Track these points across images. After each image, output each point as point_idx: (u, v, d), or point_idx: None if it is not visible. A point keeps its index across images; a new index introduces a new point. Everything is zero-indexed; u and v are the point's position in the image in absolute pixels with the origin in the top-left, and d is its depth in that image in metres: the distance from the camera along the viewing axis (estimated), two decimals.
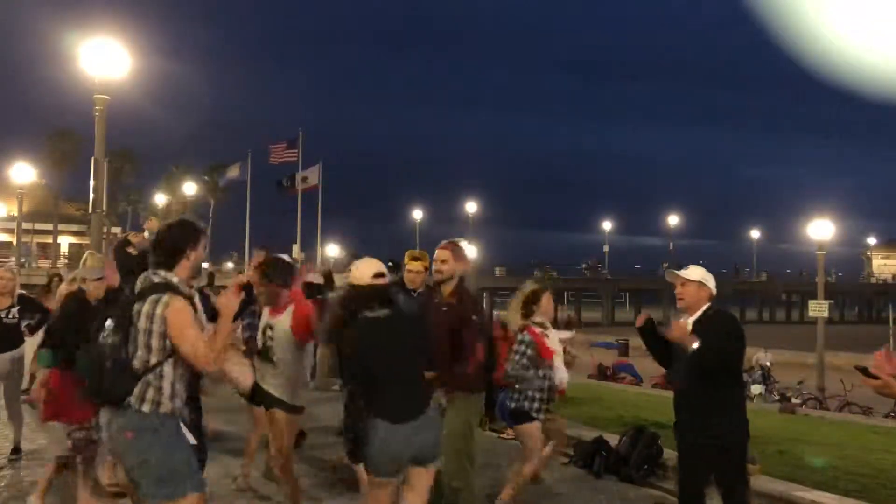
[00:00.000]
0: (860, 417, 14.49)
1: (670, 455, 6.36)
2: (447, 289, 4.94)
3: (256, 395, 4.89)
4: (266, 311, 4.97)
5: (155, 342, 3.46)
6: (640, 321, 4.48)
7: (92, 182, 11.83)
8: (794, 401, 17.08)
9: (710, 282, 4.28)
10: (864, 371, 3.01)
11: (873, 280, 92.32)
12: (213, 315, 3.89)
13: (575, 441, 7.38)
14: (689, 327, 4.16)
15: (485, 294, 60.23)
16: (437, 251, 5.07)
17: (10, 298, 6.43)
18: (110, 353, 3.44)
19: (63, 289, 5.72)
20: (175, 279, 3.56)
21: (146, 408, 3.46)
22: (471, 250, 5.05)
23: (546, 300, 5.61)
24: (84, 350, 3.60)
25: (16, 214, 33.88)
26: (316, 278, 6.67)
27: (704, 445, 4.11)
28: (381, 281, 3.97)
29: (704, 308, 4.23)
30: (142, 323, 3.45)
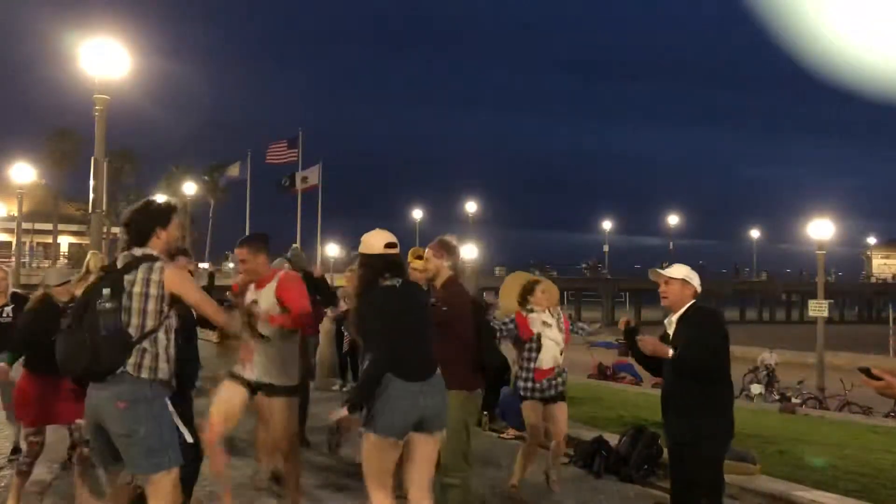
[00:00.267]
0: (860, 417, 14.50)
1: None
2: (437, 284, 4.97)
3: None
4: (251, 288, 4.87)
5: (151, 305, 3.54)
6: (622, 324, 4.62)
7: (92, 182, 11.81)
8: (794, 401, 17.09)
9: (695, 279, 4.28)
10: (866, 372, 3.01)
11: (873, 280, 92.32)
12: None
13: (575, 441, 7.39)
14: (674, 325, 4.22)
15: (484, 294, 60.22)
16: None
17: (3, 297, 6.43)
18: (107, 319, 3.48)
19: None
20: (154, 252, 3.66)
21: (144, 374, 3.52)
22: (456, 242, 5.11)
23: (539, 292, 6.04)
24: (67, 331, 3.59)
25: (16, 214, 33.83)
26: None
27: (687, 444, 4.10)
28: (393, 251, 4.01)
29: (689, 305, 4.24)
30: (137, 288, 3.53)
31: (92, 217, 12.75)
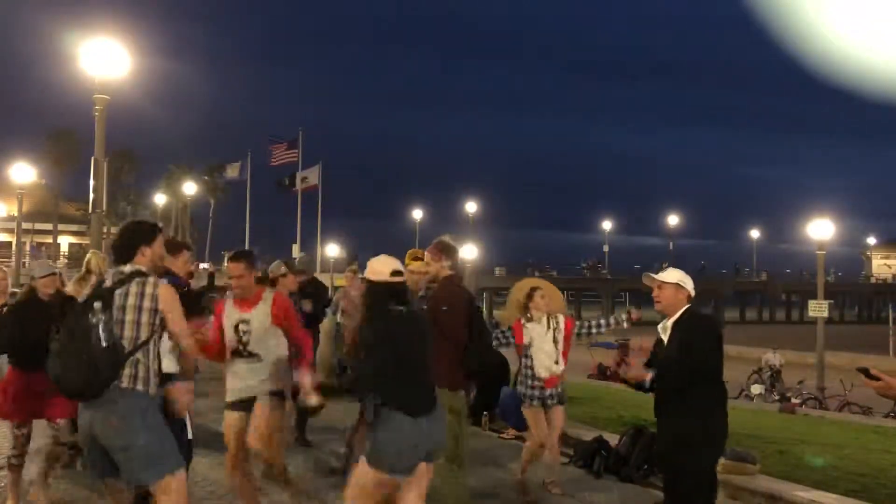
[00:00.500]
0: (860, 417, 14.51)
1: None
2: (437, 286, 4.99)
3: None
4: (232, 308, 4.73)
5: (145, 318, 3.62)
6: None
7: (92, 182, 11.81)
8: (794, 401, 17.11)
9: (688, 283, 4.26)
10: (866, 372, 3.02)
11: (873, 280, 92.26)
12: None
13: (575, 441, 7.39)
14: (669, 330, 4.21)
15: (485, 294, 60.28)
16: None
17: (3, 297, 6.43)
18: (102, 331, 3.49)
19: (70, 289, 5.72)
20: (142, 269, 3.75)
21: (140, 386, 3.57)
22: (455, 243, 5.13)
23: (539, 297, 6.04)
24: (59, 348, 3.56)
25: (16, 214, 33.80)
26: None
27: (672, 453, 4.11)
28: (398, 279, 4.00)
29: (683, 310, 4.22)
30: (130, 300, 3.61)
31: (92, 217, 12.77)
